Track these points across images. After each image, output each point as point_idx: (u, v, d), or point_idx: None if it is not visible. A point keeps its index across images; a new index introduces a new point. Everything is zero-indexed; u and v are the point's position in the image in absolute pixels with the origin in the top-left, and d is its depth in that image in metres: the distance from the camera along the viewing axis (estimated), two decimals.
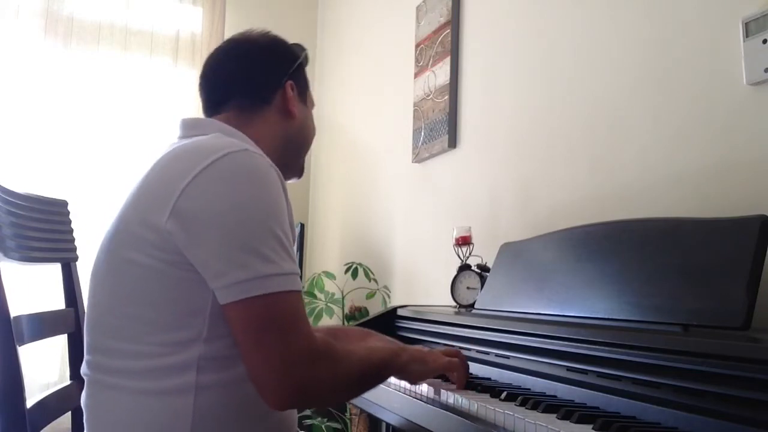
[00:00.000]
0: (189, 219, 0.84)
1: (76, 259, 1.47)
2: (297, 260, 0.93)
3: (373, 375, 1.00)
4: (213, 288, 0.85)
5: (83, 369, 0.95)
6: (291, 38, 1.20)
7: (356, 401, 1.43)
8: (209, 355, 0.87)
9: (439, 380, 1.21)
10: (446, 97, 2.26)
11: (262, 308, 0.84)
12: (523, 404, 0.99)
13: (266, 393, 0.85)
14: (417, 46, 2.52)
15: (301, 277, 2.88)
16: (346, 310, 2.77)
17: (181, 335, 0.87)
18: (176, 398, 0.86)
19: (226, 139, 0.94)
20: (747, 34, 1.20)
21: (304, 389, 0.85)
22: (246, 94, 1.08)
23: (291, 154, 1.13)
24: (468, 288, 1.70)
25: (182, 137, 1.03)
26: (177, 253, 0.85)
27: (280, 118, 1.10)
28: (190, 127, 1.04)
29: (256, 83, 1.09)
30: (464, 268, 1.74)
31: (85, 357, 0.94)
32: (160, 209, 0.86)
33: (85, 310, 0.96)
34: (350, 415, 2.70)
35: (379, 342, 1.24)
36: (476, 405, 1.02)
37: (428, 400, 1.14)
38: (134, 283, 0.88)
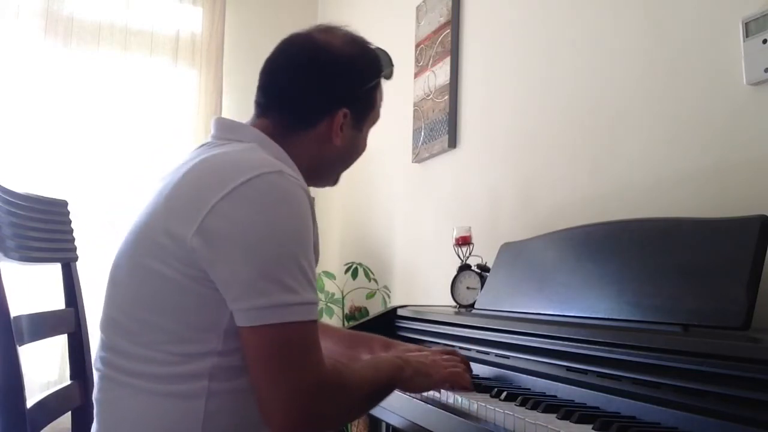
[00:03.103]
0: (215, 237, 0.84)
1: (76, 259, 1.47)
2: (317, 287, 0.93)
3: (379, 393, 1.00)
4: (231, 309, 0.85)
5: (96, 363, 0.95)
6: None
7: None
8: (223, 365, 0.88)
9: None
10: (446, 97, 2.26)
11: (276, 337, 0.83)
12: (523, 404, 0.99)
13: (272, 421, 0.84)
14: (417, 46, 2.52)
15: None
16: (346, 310, 2.77)
17: (195, 347, 0.87)
18: (188, 402, 0.87)
19: (262, 154, 0.92)
20: (747, 34, 1.20)
21: (311, 421, 0.85)
22: (291, 111, 1.02)
23: (324, 172, 1.09)
24: (468, 288, 1.70)
25: (216, 137, 1.00)
26: (198, 269, 0.85)
27: (318, 143, 1.03)
28: (226, 130, 1.01)
29: (306, 105, 1.02)
30: (464, 268, 1.74)
31: (99, 353, 0.94)
32: (187, 223, 0.85)
33: (103, 306, 0.96)
34: None
35: (384, 349, 1.25)
36: (476, 405, 1.02)
37: (428, 401, 1.14)
38: (154, 292, 0.88)
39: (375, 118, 1.11)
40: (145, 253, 0.88)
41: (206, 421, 0.87)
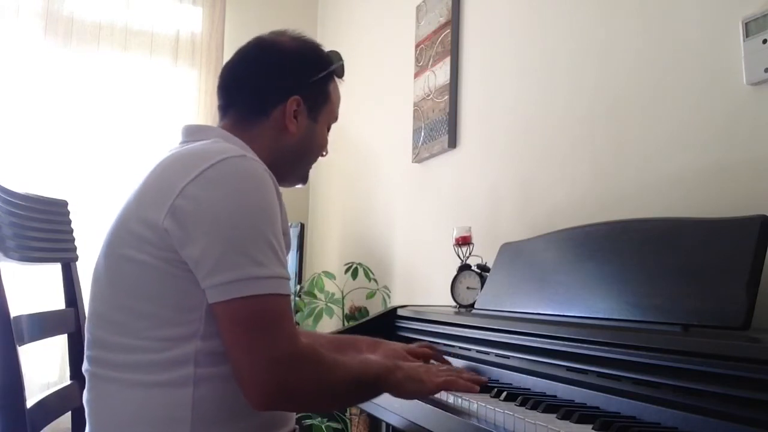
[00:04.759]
0: (185, 218, 0.86)
1: (76, 259, 1.47)
2: (288, 265, 0.94)
3: (364, 387, 0.99)
4: (203, 287, 0.87)
5: (84, 365, 0.96)
6: None
7: None
8: (206, 351, 0.89)
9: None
10: (446, 97, 2.26)
11: (249, 309, 0.86)
12: (523, 404, 0.99)
13: (248, 392, 0.86)
14: (417, 46, 2.52)
15: (300, 277, 2.87)
16: (346, 310, 2.77)
17: (178, 331, 0.88)
18: (176, 390, 0.88)
19: (226, 144, 0.97)
20: (747, 34, 1.20)
21: (285, 390, 0.87)
22: (246, 104, 1.08)
23: (287, 165, 1.11)
24: (468, 288, 1.70)
25: (183, 143, 1.05)
26: (173, 251, 0.87)
27: (275, 133, 1.08)
28: (191, 133, 1.06)
29: (258, 96, 1.07)
30: (464, 268, 1.74)
31: (86, 353, 0.95)
32: (159, 208, 0.88)
33: (86, 308, 0.97)
34: (350, 415, 2.70)
35: (381, 354, 1.24)
36: (476, 405, 1.02)
37: (428, 401, 1.14)
38: (132, 280, 0.90)
39: (331, 113, 1.15)
40: (121, 245, 0.91)
41: (195, 409, 0.88)
